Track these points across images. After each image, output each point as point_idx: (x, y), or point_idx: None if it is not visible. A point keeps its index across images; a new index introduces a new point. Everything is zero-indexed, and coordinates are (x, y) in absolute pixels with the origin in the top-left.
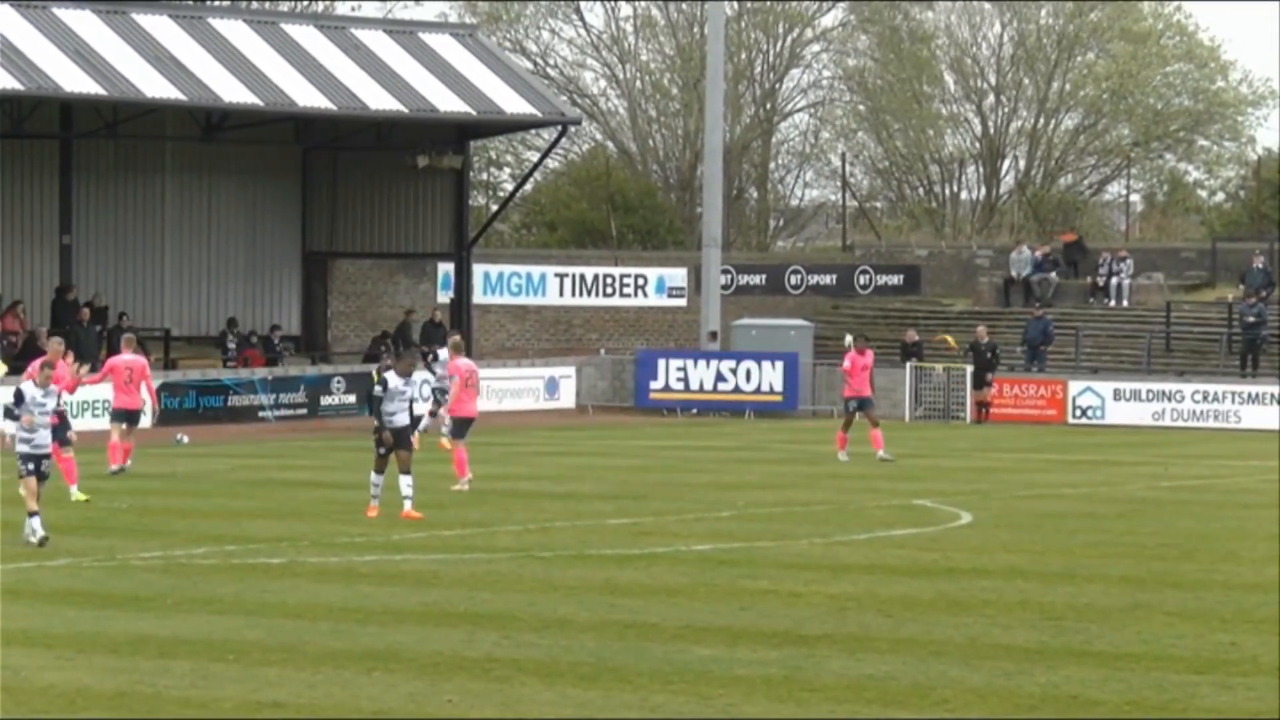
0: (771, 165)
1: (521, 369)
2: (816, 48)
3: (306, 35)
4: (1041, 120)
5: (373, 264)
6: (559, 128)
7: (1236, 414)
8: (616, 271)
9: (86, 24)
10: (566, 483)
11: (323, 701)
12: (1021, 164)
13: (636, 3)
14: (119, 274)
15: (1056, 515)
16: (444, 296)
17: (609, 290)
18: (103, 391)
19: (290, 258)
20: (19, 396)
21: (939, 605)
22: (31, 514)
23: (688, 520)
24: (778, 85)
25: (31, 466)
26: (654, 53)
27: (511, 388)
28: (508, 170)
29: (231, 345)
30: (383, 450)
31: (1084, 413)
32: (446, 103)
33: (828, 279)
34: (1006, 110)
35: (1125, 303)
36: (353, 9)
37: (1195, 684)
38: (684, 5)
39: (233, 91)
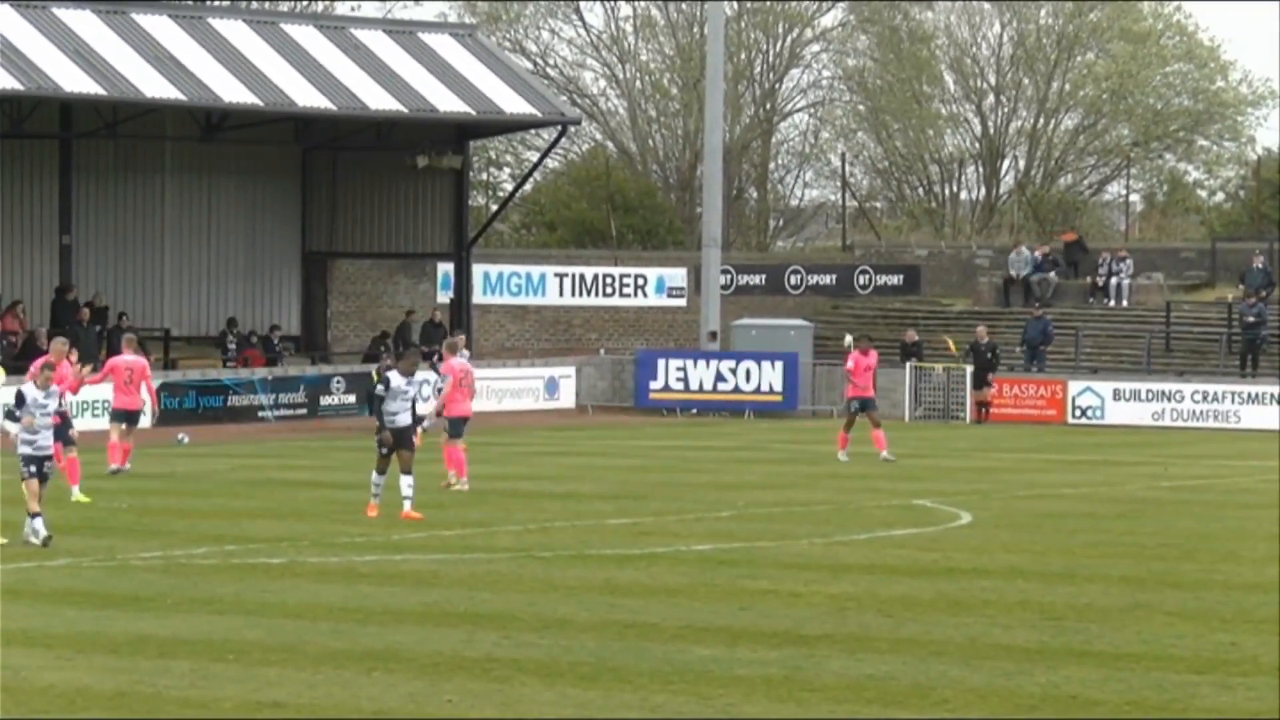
0: (771, 165)
1: (521, 369)
2: (816, 48)
3: (306, 35)
4: (1041, 120)
5: (372, 264)
6: (559, 128)
7: (1236, 414)
8: (616, 271)
9: (86, 24)
10: (566, 483)
11: (323, 701)
12: (1021, 164)
13: (636, 3)
14: (119, 274)
15: (1056, 515)
16: (444, 296)
17: (609, 290)
18: (103, 392)
19: (290, 258)
20: (20, 398)
21: (939, 605)
22: (33, 515)
23: (688, 520)
24: (777, 85)
25: (33, 468)
26: (654, 53)
27: (511, 388)
28: (507, 170)
29: (231, 345)
30: (385, 450)
31: (1084, 413)
32: (446, 103)
33: (827, 279)
34: (1006, 110)
35: (1125, 303)
36: (352, 9)
37: (1195, 684)
38: (684, 5)
39: (232, 91)
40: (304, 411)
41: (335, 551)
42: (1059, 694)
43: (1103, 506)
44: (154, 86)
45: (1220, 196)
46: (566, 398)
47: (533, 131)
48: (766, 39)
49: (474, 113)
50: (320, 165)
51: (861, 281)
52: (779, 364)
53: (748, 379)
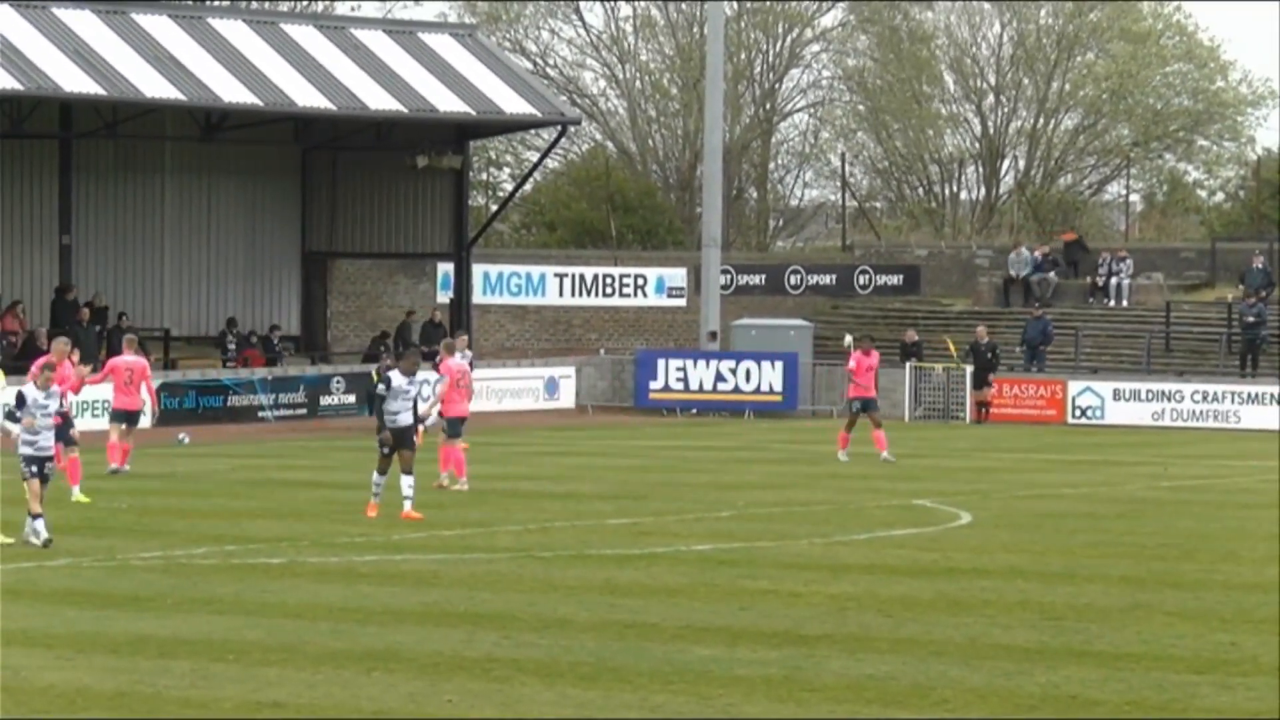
0: (771, 165)
1: (521, 369)
2: (816, 48)
3: (306, 35)
4: (1041, 120)
5: (372, 264)
6: (558, 128)
7: (1236, 414)
8: (616, 271)
9: (86, 24)
10: (566, 483)
11: (323, 701)
12: (1021, 164)
13: (636, 3)
14: (118, 274)
15: (1056, 515)
16: (443, 296)
17: (608, 290)
18: (103, 392)
19: (290, 258)
20: (20, 399)
21: (939, 605)
22: (35, 516)
23: (688, 520)
24: (777, 85)
25: (34, 469)
26: (653, 53)
27: (511, 388)
28: (507, 170)
29: (231, 345)
30: (386, 450)
31: (1083, 413)
32: (446, 103)
33: (827, 279)
34: (1006, 110)
35: (1125, 303)
36: (352, 9)
37: (1195, 684)
38: (684, 5)
39: (232, 91)
40: (304, 412)
41: (335, 551)
42: (1059, 694)
43: (1102, 506)
44: (154, 86)
45: (1220, 196)
46: (566, 398)
47: (532, 131)
48: (766, 39)
49: (474, 113)
50: (320, 165)
51: (861, 281)
52: (779, 364)
53: (747, 379)
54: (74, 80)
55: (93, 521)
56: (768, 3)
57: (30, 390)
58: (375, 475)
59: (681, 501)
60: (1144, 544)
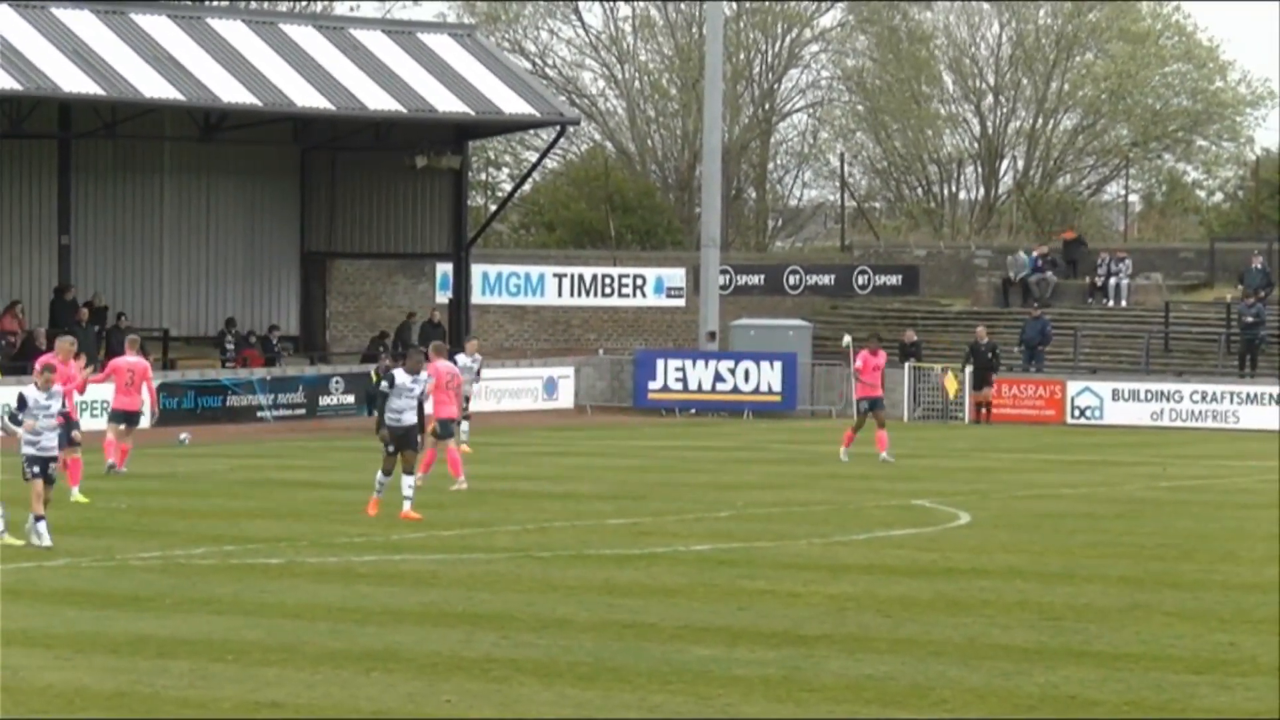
0: (770, 165)
1: (520, 369)
2: (815, 48)
3: (305, 35)
4: (1040, 120)
5: (371, 264)
6: (557, 128)
7: (1235, 414)
8: (615, 272)
9: (85, 24)
10: (565, 483)
11: (322, 701)
12: (1020, 164)
13: (635, 3)
14: (117, 274)
15: (1055, 515)
16: (442, 297)
17: (607, 290)
18: (103, 392)
19: (289, 258)
20: (21, 401)
21: (938, 605)
22: (38, 518)
23: (687, 520)
24: (776, 85)
25: (37, 469)
26: (652, 53)
27: (510, 388)
28: (506, 170)
29: (230, 345)
30: (390, 449)
31: (1082, 413)
32: (445, 103)
33: (826, 279)
34: (1005, 110)
35: (1124, 303)
36: (351, 9)
37: (1194, 684)
38: (683, 5)
39: (231, 92)
40: (303, 412)
41: (334, 552)
42: (1058, 694)
43: (1101, 507)
44: (153, 86)
45: (1219, 197)
46: (565, 398)
47: (531, 132)
48: (765, 39)
49: (473, 113)
50: (319, 165)
51: (860, 282)
52: (778, 364)
53: (746, 379)
54: (73, 80)
55: (92, 522)
56: (767, 3)
57: (31, 391)
58: (379, 475)
59: (680, 502)
60: (1143, 544)
